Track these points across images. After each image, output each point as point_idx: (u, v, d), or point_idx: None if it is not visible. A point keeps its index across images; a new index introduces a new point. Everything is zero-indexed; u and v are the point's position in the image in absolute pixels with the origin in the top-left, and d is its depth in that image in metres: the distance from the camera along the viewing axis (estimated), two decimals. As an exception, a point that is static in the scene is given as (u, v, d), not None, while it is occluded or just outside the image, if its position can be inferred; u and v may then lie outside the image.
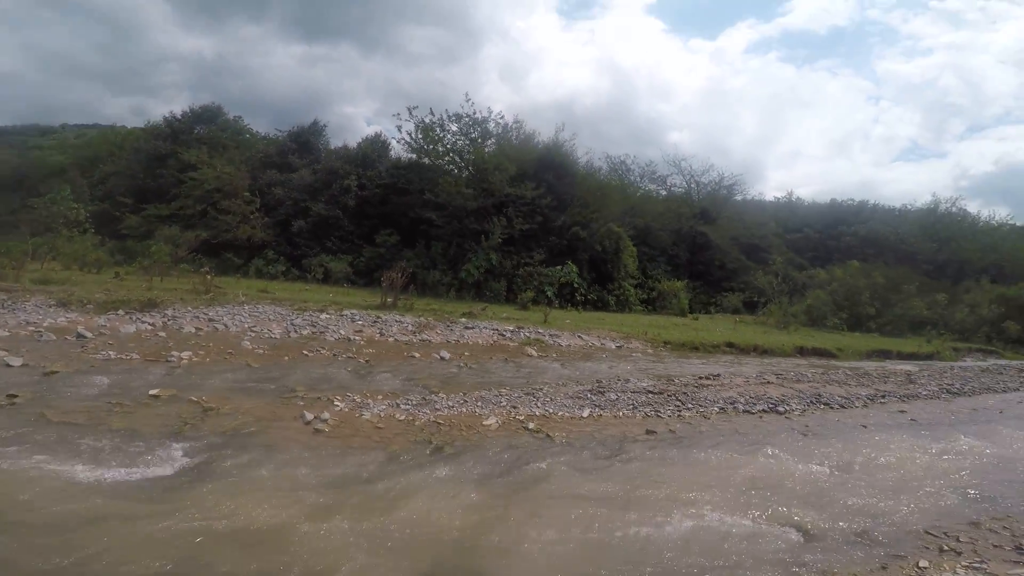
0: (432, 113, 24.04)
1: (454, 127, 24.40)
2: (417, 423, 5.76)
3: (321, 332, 10.55)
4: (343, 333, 10.72)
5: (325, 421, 5.58)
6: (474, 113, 24.25)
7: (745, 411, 7.37)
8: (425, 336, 11.23)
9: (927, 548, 3.38)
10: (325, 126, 32.04)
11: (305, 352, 9.10)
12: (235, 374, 7.42)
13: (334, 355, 9.11)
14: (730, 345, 16.06)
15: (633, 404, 7.17)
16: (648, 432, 6.05)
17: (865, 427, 7.05)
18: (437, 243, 23.13)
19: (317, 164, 27.58)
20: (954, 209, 38.30)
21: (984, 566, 3.10)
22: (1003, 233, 36.51)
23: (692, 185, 41.22)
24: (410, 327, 11.68)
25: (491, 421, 5.95)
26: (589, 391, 7.68)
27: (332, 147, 30.27)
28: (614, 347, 13.17)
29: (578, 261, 24.60)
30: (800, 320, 26.44)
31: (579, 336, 13.58)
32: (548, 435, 5.69)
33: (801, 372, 11.22)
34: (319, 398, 6.41)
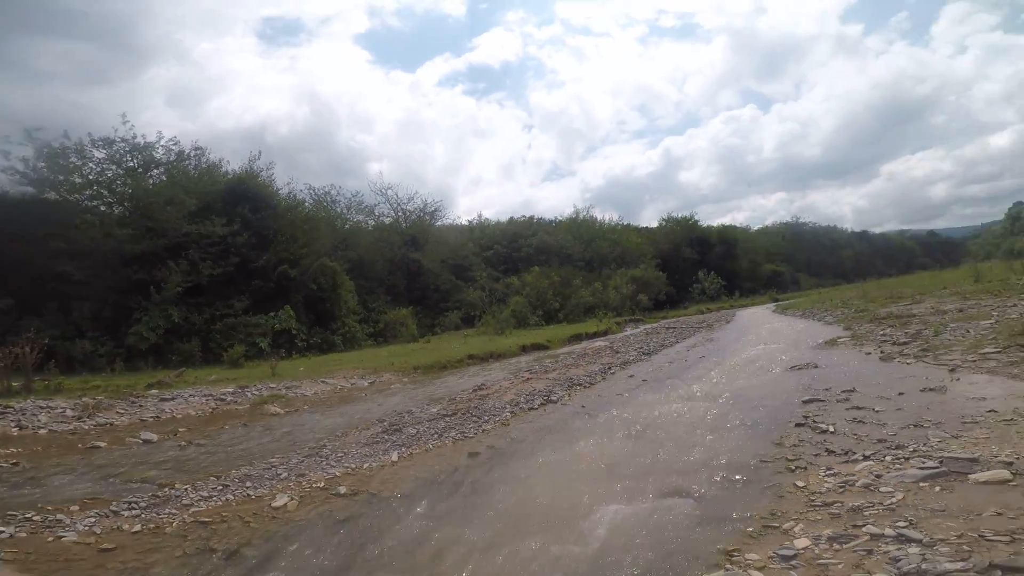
0: (67, 136, 17.74)
1: (100, 154, 18.45)
2: (169, 529, 3.65)
3: None
4: (-57, 441, 6.63)
5: None
6: (133, 138, 18.91)
7: (530, 408, 7.30)
8: (103, 418, 7.78)
9: (784, 472, 3.61)
10: None
11: None
12: None
13: (-59, 468, 5.46)
14: (471, 357, 16.55)
15: (436, 432, 6.25)
16: (471, 455, 5.24)
17: (621, 395, 7.80)
18: (82, 303, 16.96)
19: None
20: (588, 216, 49.75)
21: (835, 469, 3.45)
22: (620, 231, 49.07)
23: (399, 213, 42.14)
24: (69, 412, 7.96)
25: (283, 501, 4.19)
26: (383, 432, 6.41)
27: None
28: (367, 384, 11.84)
29: (293, 304, 21.77)
30: (511, 324, 29.77)
31: (323, 382, 11.74)
32: (372, 493, 4.31)
33: (543, 364, 12.17)
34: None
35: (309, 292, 23.61)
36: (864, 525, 2.54)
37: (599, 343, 18.26)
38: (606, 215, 59.47)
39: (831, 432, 4.53)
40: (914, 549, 2.22)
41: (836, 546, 2.41)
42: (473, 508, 3.73)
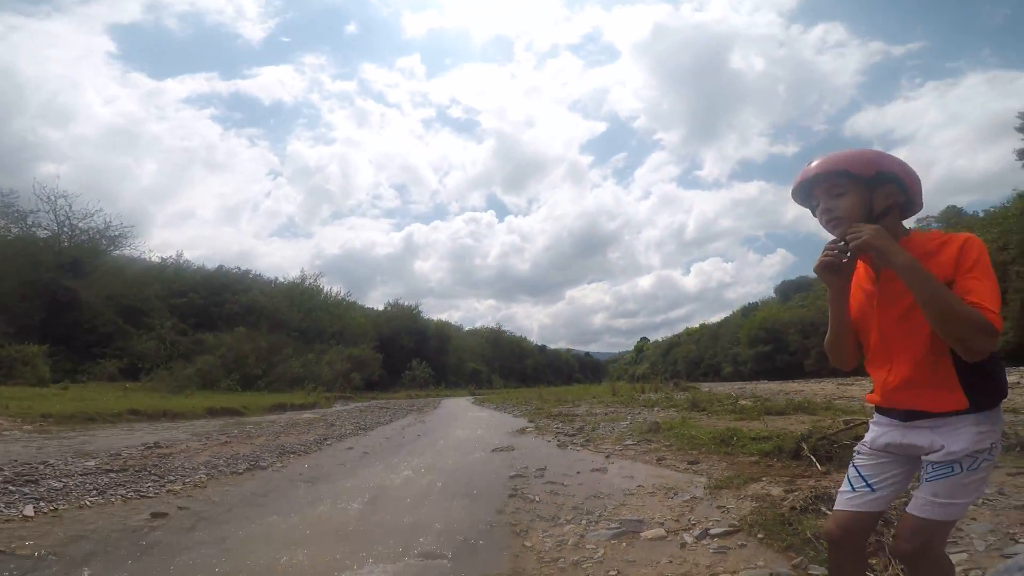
0: None
1: None
2: None
3: None
4: None
5: None
6: None
7: (233, 472, 6.19)
8: None
9: (511, 535, 3.91)
10: None
11: None
12: None
13: None
14: (135, 412, 13.31)
15: (96, 488, 4.78)
16: (155, 515, 4.08)
17: (343, 465, 7.36)
18: None
19: None
20: (314, 284, 47.34)
21: (549, 531, 3.94)
22: (345, 306, 47.95)
23: (65, 229, 32.19)
24: None
25: None
26: (6, 482, 4.50)
27: None
28: (-52, 433, 8.19)
29: None
30: (195, 383, 25.17)
31: None
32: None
33: (244, 429, 10.55)
34: None
35: None
36: (586, 576, 3.02)
37: (308, 415, 16.87)
38: (333, 288, 57.40)
39: (538, 501, 5.19)
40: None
41: (572, 592, 2.79)
42: (175, 572, 2.92)
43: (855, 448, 1.87)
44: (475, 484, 6.11)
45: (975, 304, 1.42)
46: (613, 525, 4.13)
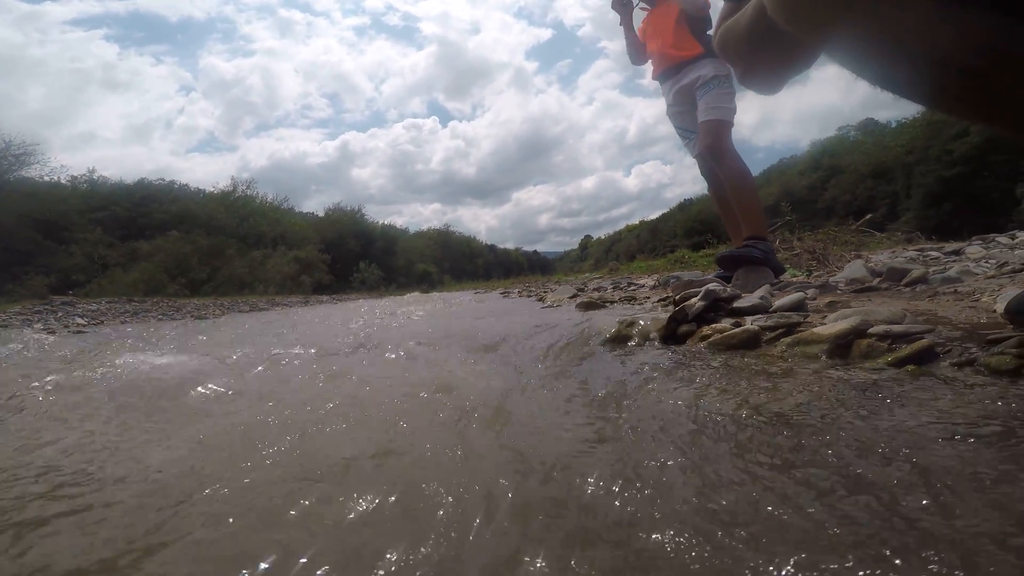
0: None
1: None
2: None
3: None
4: None
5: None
6: None
7: (239, 311, 6.60)
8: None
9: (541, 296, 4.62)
10: None
11: None
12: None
13: None
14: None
15: (130, 312, 5.02)
16: (197, 318, 4.50)
17: (345, 307, 7.88)
18: None
19: None
20: (247, 192, 44.81)
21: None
22: (283, 212, 46.09)
23: None
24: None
25: None
26: (50, 309, 4.66)
27: None
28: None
29: None
30: (139, 291, 24.34)
31: None
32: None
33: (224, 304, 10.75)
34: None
35: None
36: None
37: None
38: (268, 195, 53.96)
39: (545, 288, 5.97)
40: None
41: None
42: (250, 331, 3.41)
43: (668, 116, 3.25)
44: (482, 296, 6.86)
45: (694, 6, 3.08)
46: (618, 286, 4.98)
